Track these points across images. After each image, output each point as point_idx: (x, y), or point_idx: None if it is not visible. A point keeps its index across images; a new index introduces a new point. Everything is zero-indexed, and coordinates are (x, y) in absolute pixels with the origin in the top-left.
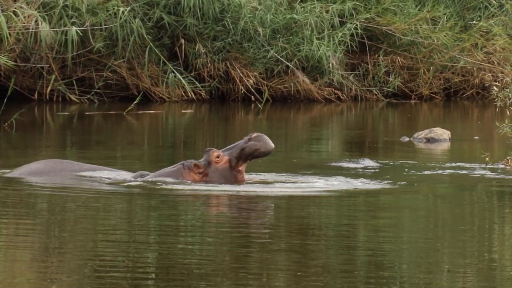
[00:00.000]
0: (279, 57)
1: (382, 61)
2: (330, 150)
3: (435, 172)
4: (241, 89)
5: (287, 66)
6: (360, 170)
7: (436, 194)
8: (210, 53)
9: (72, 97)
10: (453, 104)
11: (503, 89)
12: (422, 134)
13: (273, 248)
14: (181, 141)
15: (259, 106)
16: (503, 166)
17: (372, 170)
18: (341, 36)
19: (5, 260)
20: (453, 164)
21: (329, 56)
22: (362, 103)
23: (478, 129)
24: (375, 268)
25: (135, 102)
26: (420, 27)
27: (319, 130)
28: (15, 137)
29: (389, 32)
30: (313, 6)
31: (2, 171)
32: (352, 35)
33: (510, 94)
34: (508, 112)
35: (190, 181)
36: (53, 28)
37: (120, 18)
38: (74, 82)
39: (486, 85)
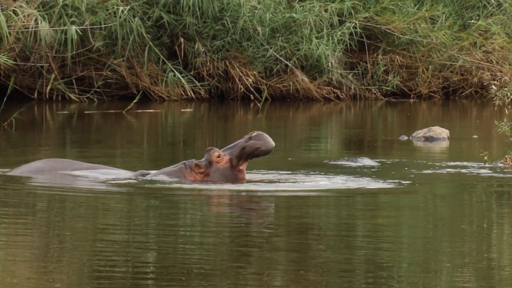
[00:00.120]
0: (278, 56)
1: (381, 60)
2: (329, 149)
3: (433, 171)
4: (240, 88)
5: (286, 65)
6: (359, 169)
7: (435, 193)
8: (210, 52)
9: (72, 96)
10: (451, 103)
11: (501, 87)
12: (421, 133)
13: (273, 247)
14: (181, 140)
15: (258, 105)
16: (501, 164)
17: (371, 169)
18: (340, 35)
19: (5, 260)
20: (452, 163)
21: (328, 55)
22: (361, 102)
23: (477, 127)
24: (374, 267)
25: (134, 101)
26: (419, 26)
27: (318, 129)
28: (14, 136)
29: (388, 31)
30: (312, 5)
31: (2, 170)
32: (351, 34)
33: (508, 93)
34: (506, 111)
35: (191, 181)
36: (53, 27)
37: (120, 17)
38: (73, 81)
39: (485, 84)
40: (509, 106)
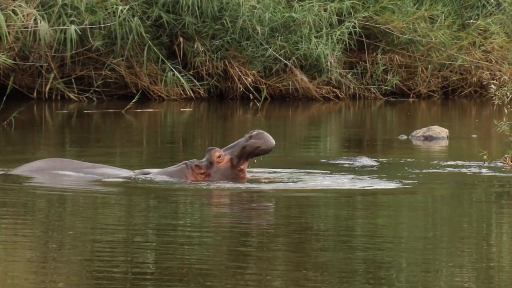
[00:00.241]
0: (277, 55)
1: (380, 60)
2: (328, 148)
3: (433, 170)
4: (240, 88)
5: (286, 65)
6: (357, 168)
7: (434, 193)
8: (209, 52)
9: (71, 95)
10: (451, 102)
11: (501, 87)
12: (420, 132)
13: (273, 247)
14: (180, 139)
15: (258, 104)
16: (501, 164)
17: (370, 168)
18: (339, 35)
19: (4, 259)
20: (451, 162)
21: (327, 55)
22: (360, 101)
23: (476, 127)
24: (374, 267)
25: (133, 101)
26: (418, 26)
27: (317, 128)
28: (14, 135)
29: (387, 30)
30: (312, 4)
31: (2, 169)
32: (350, 33)
33: (508, 92)
34: (506, 110)
35: (192, 181)
36: (52, 26)
37: (119, 17)
38: (73, 80)
39: (484, 83)
40: (508, 106)
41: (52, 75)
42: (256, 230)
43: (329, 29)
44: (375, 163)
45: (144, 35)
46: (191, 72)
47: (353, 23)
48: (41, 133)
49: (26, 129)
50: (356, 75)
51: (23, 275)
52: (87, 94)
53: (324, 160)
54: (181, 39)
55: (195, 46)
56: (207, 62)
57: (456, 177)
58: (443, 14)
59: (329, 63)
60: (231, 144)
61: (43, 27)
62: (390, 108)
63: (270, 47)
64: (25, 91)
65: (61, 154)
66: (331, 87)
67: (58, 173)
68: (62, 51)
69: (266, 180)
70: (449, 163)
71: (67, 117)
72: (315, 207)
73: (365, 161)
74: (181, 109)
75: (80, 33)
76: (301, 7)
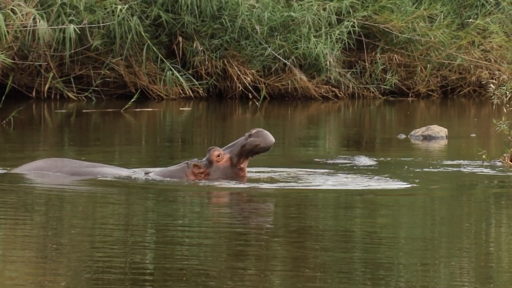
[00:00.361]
0: (276, 54)
1: (379, 59)
2: (327, 148)
3: (432, 170)
4: (239, 87)
5: (285, 64)
6: (356, 167)
7: (433, 192)
8: (208, 51)
9: (70, 94)
10: (450, 101)
11: (499, 86)
12: (419, 131)
13: (273, 247)
14: (179, 138)
15: (257, 103)
16: (499, 163)
17: (369, 168)
18: (339, 34)
19: (4, 260)
20: (450, 162)
21: (326, 54)
22: (359, 101)
23: (475, 126)
24: (373, 267)
25: (132, 100)
26: (417, 25)
27: (316, 127)
28: (13, 134)
29: (386, 29)
30: (311, 3)
31: (1, 168)
32: (349, 32)
33: (507, 92)
34: (504, 109)
35: (193, 180)
36: (51, 26)
37: (118, 16)
38: (72, 79)
39: (483, 82)
40: (507, 105)
41: (51, 74)
42: (256, 229)
43: (328, 29)
44: (374, 163)
45: (143, 34)
46: (190, 72)
47: (352, 23)
48: (40, 133)
49: (25, 129)
50: (355, 75)
51: (23, 275)
52: (86, 94)
53: (323, 160)
54: (180, 38)
55: (194, 45)
56: (206, 62)
57: (455, 176)
58: (442, 13)
59: (328, 62)
60: (231, 143)
61: (42, 26)
62: (389, 107)
63: (269, 47)
64: (24, 91)
65: (60, 154)
66: (330, 87)
67: (58, 172)
68: (61, 50)
69: (266, 179)
70: (448, 162)
71: (66, 116)
72: (314, 207)
73: (364, 160)
74: (180, 109)
75: (79, 32)
76: (300, 6)
